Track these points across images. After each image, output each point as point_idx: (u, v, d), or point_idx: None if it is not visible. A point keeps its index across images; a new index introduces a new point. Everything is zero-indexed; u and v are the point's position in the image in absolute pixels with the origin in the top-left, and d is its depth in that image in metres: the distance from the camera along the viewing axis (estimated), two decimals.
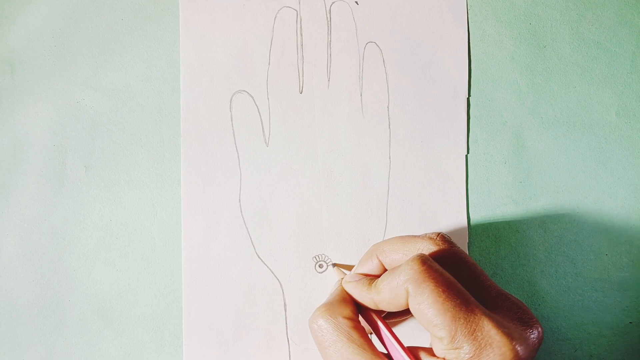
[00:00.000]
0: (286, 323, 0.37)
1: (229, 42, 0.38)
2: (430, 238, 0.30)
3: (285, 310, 0.37)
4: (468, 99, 0.38)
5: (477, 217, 0.38)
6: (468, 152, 0.38)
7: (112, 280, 0.37)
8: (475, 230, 0.38)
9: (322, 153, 0.38)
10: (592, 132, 0.38)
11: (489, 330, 0.25)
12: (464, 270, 0.29)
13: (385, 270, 0.31)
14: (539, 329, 0.27)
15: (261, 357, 0.36)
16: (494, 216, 0.38)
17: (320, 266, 0.37)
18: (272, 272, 0.37)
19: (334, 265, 0.36)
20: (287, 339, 0.37)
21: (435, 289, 0.26)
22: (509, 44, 0.38)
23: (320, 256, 0.37)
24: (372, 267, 0.31)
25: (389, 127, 0.38)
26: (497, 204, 0.38)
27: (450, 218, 0.37)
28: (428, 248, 0.29)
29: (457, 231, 0.37)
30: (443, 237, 0.30)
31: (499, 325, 0.25)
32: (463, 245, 0.37)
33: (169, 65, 0.38)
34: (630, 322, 0.37)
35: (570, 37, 0.38)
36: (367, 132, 0.38)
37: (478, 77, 0.38)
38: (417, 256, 0.27)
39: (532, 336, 0.27)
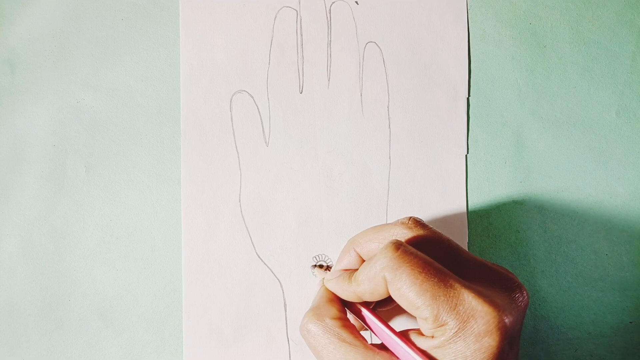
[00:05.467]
0: (286, 323, 0.37)
1: (229, 42, 0.38)
2: (403, 223, 0.30)
3: (285, 310, 0.37)
4: (468, 99, 0.38)
5: (477, 217, 0.38)
6: (468, 152, 0.38)
7: (112, 280, 0.37)
8: (475, 230, 0.38)
9: (322, 153, 0.38)
10: (592, 132, 0.38)
11: (470, 301, 0.25)
12: (440, 249, 0.29)
13: (364, 262, 0.31)
14: (524, 292, 0.27)
15: (261, 357, 0.36)
16: (494, 216, 0.38)
17: (321, 266, 0.37)
18: (272, 271, 0.37)
19: (313, 266, 0.36)
20: (287, 338, 0.37)
21: (411, 272, 0.26)
22: (509, 44, 0.38)
23: (320, 256, 0.37)
24: (350, 261, 0.31)
25: (389, 127, 0.38)
26: (497, 204, 0.38)
27: (450, 218, 0.37)
28: (402, 233, 0.29)
29: (457, 231, 0.37)
30: (415, 220, 0.30)
31: (480, 294, 0.25)
32: (463, 245, 0.37)
33: (169, 65, 0.38)
34: (631, 322, 0.37)
35: (570, 37, 0.38)
36: (367, 132, 0.38)
37: (478, 77, 0.38)
38: (390, 242, 0.27)
39: (517, 300, 0.27)
